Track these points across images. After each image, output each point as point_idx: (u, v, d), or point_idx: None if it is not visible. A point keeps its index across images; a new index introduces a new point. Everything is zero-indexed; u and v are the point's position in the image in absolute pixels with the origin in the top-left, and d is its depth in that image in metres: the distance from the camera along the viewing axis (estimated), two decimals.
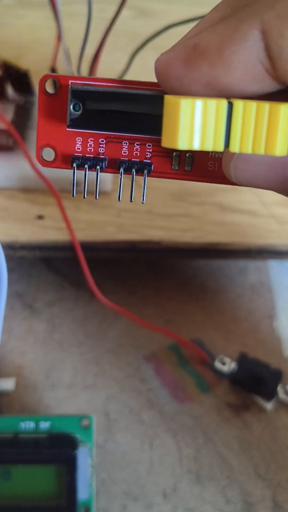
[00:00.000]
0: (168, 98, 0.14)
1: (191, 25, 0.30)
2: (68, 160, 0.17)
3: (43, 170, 0.28)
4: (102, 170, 0.18)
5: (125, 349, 0.30)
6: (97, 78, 0.17)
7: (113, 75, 0.32)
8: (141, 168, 0.18)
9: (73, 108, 0.16)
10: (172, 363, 0.29)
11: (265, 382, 0.28)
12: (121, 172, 0.18)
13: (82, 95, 0.16)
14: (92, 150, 0.17)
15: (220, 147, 0.14)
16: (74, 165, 0.17)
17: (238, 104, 0.13)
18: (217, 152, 0.17)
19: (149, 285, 0.32)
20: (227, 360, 0.29)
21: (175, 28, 0.32)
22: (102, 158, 0.17)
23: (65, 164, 0.18)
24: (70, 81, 0.16)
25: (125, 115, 0.17)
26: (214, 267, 0.33)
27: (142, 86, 0.16)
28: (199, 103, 0.13)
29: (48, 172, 0.28)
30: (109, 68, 0.33)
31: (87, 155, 0.17)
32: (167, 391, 0.28)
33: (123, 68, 0.33)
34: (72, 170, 0.17)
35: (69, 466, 0.23)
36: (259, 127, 0.14)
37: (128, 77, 0.33)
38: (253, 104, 0.13)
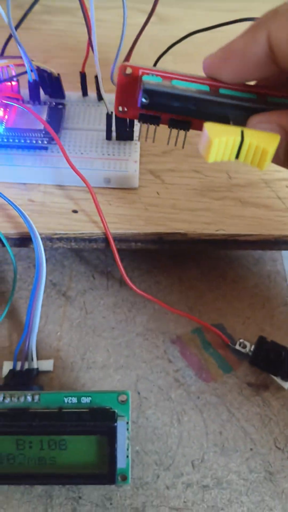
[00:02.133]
0: (206, 127, 0.23)
1: (211, 32, 0.32)
2: (135, 115, 0.27)
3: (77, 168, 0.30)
4: (158, 124, 0.26)
5: (153, 333, 0.32)
6: (160, 70, 0.25)
7: None
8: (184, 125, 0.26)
9: (144, 98, 0.25)
10: (196, 346, 0.32)
11: (282, 363, 0.30)
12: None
13: (149, 92, 0.24)
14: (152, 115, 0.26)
15: (233, 159, 0.23)
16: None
17: (246, 142, 0.23)
18: None
19: (173, 275, 0.35)
20: (246, 343, 0.31)
21: (196, 35, 0.34)
22: (158, 116, 0.26)
23: (134, 117, 0.27)
24: (140, 71, 0.25)
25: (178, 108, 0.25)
26: (232, 257, 0.36)
27: (192, 79, 0.25)
28: (223, 139, 0.22)
29: (81, 170, 0.30)
30: None
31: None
32: (193, 371, 0.31)
33: None
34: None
35: (110, 437, 0.25)
36: (256, 155, 0.23)
37: None
38: (254, 143, 0.23)
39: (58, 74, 0.34)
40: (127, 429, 0.26)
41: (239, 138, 0.22)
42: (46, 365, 0.30)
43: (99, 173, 0.31)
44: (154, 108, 0.25)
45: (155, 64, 0.35)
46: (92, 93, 0.36)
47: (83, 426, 0.25)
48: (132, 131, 0.32)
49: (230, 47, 0.23)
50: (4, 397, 0.26)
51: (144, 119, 0.26)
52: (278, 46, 0.22)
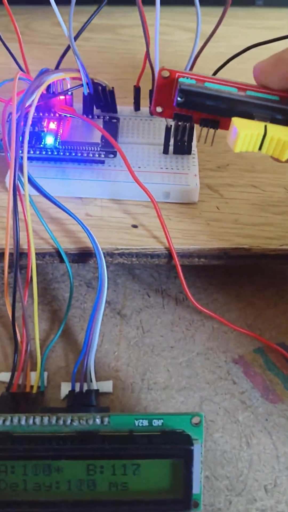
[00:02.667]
0: (234, 121, 0.26)
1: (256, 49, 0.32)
2: (170, 114, 0.29)
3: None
4: (190, 122, 0.29)
5: (213, 353, 0.31)
6: (194, 73, 0.28)
7: None
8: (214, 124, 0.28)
9: (179, 97, 0.27)
10: (260, 366, 0.31)
11: None
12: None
13: (185, 91, 0.27)
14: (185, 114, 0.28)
15: (256, 150, 0.26)
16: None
17: (269, 135, 0.25)
18: None
19: (230, 293, 0.33)
20: None
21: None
22: (190, 115, 0.28)
23: (169, 116, 0.29)
24: (176, 74, 0.28)
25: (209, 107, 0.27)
26: (287, 274, 0.35)
27: (223, 82, 0.28)
28: (249, 132, 0.25)
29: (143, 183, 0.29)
30: None
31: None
32: (259, 393, 0.30)
33: None
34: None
35: (187, 461, 0.24)
36: (277, 147, 0.26)
37: None
38: (276, 136, 0.25)
39: (113, 87, 0.33)
40: (201, 453, 0.25)
41: (262, 132, 0.25)
42: (106, 386, 0.29)
43: (158, 187, 0.31)
44: (188, 106, 0.28)
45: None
46: (144, 107, 0.35)
47: (157, 450, 0.24)
48: (191, 145, 0.32)
49: (281, 55, 0.26)
50: (72, 420, 0.25)
51: (178, 118, 0.29)
52: None
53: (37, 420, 0.25)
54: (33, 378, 0.29)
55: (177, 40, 0.44)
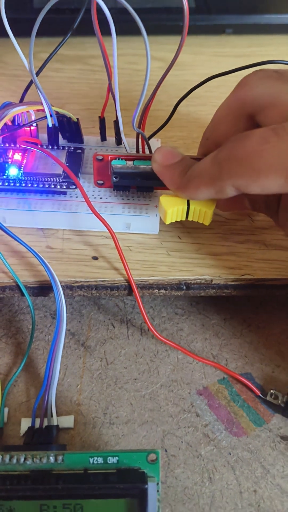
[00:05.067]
0: (161, 200, 0.29)
1: (228, 77, 0.32)
2: (111, 185, 0.31)
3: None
4: (129, 190, 0.32)
5: (177, 384, 0.30)
6: (123, 154, 0.30)
7: (158, 123, 0.34)
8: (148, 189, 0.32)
9: (114, 177, 0.30)
10: (225, 397, 0.30)
11: None
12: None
13: (118, 174, 0.30)
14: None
15: (184, 219, 0.29)
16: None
17: (191, 208, 0.29)
18: None
19: (195, 322, 0.33)
20: (278, 394, 0.30)
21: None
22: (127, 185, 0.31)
23: (110, 187, 0.32)
24: (109, 157, 0.30)
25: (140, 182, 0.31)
26: (255, 303, 0.34)
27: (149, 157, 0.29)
28: (175, 209, 0.28)
29: (100, 215, 0.29)
30: (155, 115, 0.35)
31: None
32: (222, 425, 0.29)
33: (165, 115, 0.35)
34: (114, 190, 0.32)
35: (140, 500, 0.23)
36: (200, 214, 0.29)
37: (172, 123, 0.35)
38: (198, 208, 0.29)
39: (78, 118, 0.33)
40: (157, 491, 0.24)
41: (185, 206, 0.29)
42: (67, 421, 0.29)
43: (119, 218, 0.31)
44: (124, 183, 0.31)
45: (175, 108, 0.35)
46: (110, 137, 0.35)
47: (111, 489, 0.23)
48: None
49: (183, 182, 0.27)
50: (25, 458, 0.24)
51: (117, 189, 0.31)
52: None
53: None
54: None
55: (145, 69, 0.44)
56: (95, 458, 0.24)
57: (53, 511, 0.24)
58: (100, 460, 0.24)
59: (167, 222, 0.29)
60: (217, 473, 0.28)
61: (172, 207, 0.28)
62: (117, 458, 0.24)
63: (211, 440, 0.29)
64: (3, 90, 0.40)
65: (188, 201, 0.28)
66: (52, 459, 0.24)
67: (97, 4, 0.27)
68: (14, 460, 0.24)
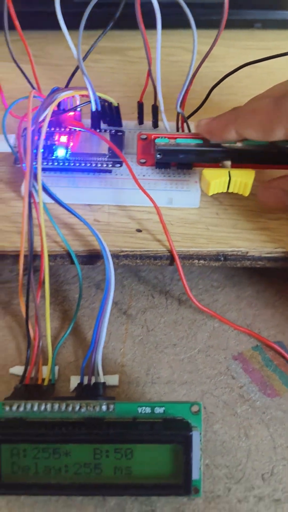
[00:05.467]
0: (204, 173, 0.31)
1: (250, 67, 0.34)
2: (153, 163, 0.33)
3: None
4: (169, 167, 0.34)
5: (214, 350, 0.33)
6: (166, 133, 0.33)
7: (192, 110, 0.36)
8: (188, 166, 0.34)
9: (158, 155, 0.32)
10: (258, 362, 0.32)
11: None
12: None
13: (161, 151, 0.32)
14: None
15: (225, 191, 0.32)
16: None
17: (232, 180, 0.31)
18: None
19: (230, 294, 0.35)
20: None
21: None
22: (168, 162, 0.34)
23: (152, 165, 0.34)
24: (152, 136, 0.33)
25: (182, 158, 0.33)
26: (285, 277, 0.36)
27: (190, 136, 0.32)
28: (217, 180, 0.31)
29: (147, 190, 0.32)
30: (188, 103, 0.37)
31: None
32: (257, 387, 0.31)
33: (198, 103, 0.37)
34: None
35: (186, 446, 0.26)
36: (240, 186, 0.31)
37: (205, 110, 0.37)
38: (238, 180, 0.31)
39: (118, 104, 0.35)
40: (200, 441, 0.26)
41: (227, 178, 0.31)
42: (112, 379, 0.31)
43: (162, 193, 0.33)
44: (166, 160, 0.33)
45: (209, 92, 0.37)
46: (147, 121, 0.37)
47: (158, 435, 0.26)
48: None
49: (210, 129, 0.32)
50: (80, 407, 0.27)
51: (159, 166, 0.34)
52: (244, 135, 0.30)
53: (48, 406, 0.27)
54: (45, 372, 0.31)
55: (181, 60, 0.47)
56: (143, 408, 0.27)
57: (106, 455, 0.26)
58: (148, 410, 0.27)
59: (210, 193, 0.31)
60: (252, 429, 0.30)
61: (214, 179, 0.30)
62: (163, 408, 0.27)
63: (246, 400, 0.31)
64: (47, 79, 0.43)
65: (229, 173, 0.30)
66: (104, 407, 0.27)
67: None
68: (70, 408, 0.27)
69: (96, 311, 0.34)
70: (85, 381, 0.30)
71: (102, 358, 0.31)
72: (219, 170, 0.31)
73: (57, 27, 0.47)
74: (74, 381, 0.31)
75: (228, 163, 0.32)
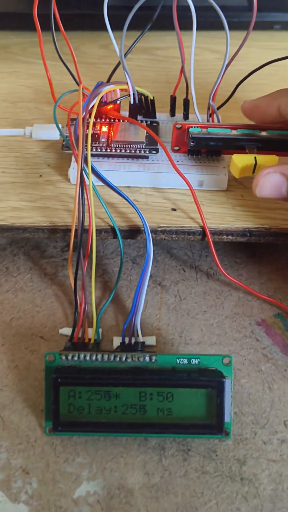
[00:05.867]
0: (234, 158, 0.35)
1: (272, 66, 0.38)
2: (185, 151, 0.38)
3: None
4: (200, 154, 0.38)
5: (239, 317, 0.37)
6: (199, 123, 0.37)
7: (218, 105, 0.40)
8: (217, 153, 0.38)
9: (191, 142, 0.36)
10: (279, 328, 0.36)
11: None
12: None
13: (195, 138, 0.36)
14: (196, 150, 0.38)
15: (251, 174, 0.35)
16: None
17: (258, 163, 0.35)
18: None
19: (253, 269, 0.39)
20: None
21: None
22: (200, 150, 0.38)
23: (185, 152, 0.38)
24: (186, 125, 0.36)
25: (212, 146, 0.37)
26: None
27: (219, 126, 0.37)
28: (245, 164, 0.35)
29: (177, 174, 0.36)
30: (216, 98, 0.41)
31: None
32: (278, 349, 0.35)
33: (223, 99, 0.41)
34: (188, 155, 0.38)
35: (219, 391, 0.30)
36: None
37: (230, 105, 0.41)
38: (263, 164, 0.34)
39: (153, 97, 0.40)
40: (231, 388, 0.30)
41: (253, 162, 0.35)
42: (150, 340, 0.35)
43: (194, 176, 0.37)
44: (198, 147, 0.37)
45: (233, 91, 0.41)
46: (178, 114, 0.41)
47: (195, 381, 0.30)
48: None
49: (256, 103, 0.37)
50: (126, 357, 0.31)
51: (191, 153, 0.38)
52: (285, 112, 0.35)
53: (99, 357, 0.31)
54: (90, 333, 0.35)
55: (205, 60, 0.51)
56: (181, 359, 0.31)
57: (150, 397, 0.30)
58: (185, 361, 0.31)
59: (238, 176, 0.35)
60: (275, 384, 0.34)
61: (243, 163, 0.34)
62: (198, 360, 0.31)
63: (269, 359, 0.35)
64: (83, 76, 0.47)
65: (255, 158, 0.34)
66: (147, 358, 0.31)
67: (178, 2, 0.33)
68: (117, 359, 0.31)
69: (132, 283, 0.38)
70: (126, 341, 0.34)
71: (140, 322, 0.35)
72: (247, 155, 0.35)
73: (90, 28, 0.52)
74: (117, 341, 0.35)
75: (254, 149, 0.35)
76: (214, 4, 0.33)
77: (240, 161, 0.34)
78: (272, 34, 0.55)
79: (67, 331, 0.35)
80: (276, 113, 0.35)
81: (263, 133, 0.36)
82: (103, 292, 0.38)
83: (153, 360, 0.31)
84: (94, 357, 0.31)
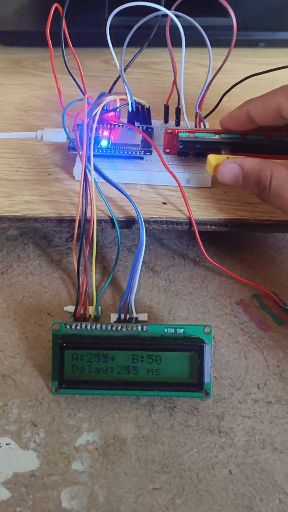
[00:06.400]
0: (209, 157, 0.40)
1: (255, 78, 0.43)
2: (176, 153, 0.43)
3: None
4: (188, 156, 0.44)
5: (221, 297, 0.42)
6: (187, 128, 0.42)
7: (206, 113, 0.46)
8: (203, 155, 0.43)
9: (180, 145, 0.41)
10: (256, 306, 0.41)
11: None
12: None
13: (183, 142, 0.41)
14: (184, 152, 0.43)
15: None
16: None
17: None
18: None
19: (234, 257, 0.45)
20: None
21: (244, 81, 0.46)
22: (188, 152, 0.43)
23: (175, 154, 0.43)
24: (176, 130, 0.42)
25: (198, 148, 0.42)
26: (279, 245, 0.46)
27: (204, 131, 0.42)
28: (218, 160, 0.39)
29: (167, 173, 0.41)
30: (203, 108, 0.47)
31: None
32: (254, 324, 0.40)
33: (211, 108, 0.47)
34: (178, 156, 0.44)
35: (200, 354, 0.35)
36: None
37: (217, 113, 0.47)
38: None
39: (149, 106, 0.45)
40: (211, 354, 0.36)
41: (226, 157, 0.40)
42: (143, 316, 0.40)
43: (182, 175, 0.42)
44: (186, 149, 0.42)
45: (219, 101, 0.47)
46: (171, 121, 0.47)
47: (180, 345, 0.35)
48: None
49: (230, 114, 0.42)
50: (121, 327, 0.36)
51: (180, 155, 0.43)
52: (254, 114, 0.40)
53: (98, 326, 0.36)
54: (91, 310, 0.40)
55: (195, 73, 0.56)
56: (168, 329, 0.36)
57: (141, 360, 0.35)
58: (172, 330, 0.36)
59: (212, 173, 0.40)
60: (250, 353, 0.39)
61: (216, 162, 0.39)
62: (183, 329, 0.36)
63: (246, 333, 0.40)
64: (87, 87, 0.52)
65: (227, 157, 0.39)
66: (139, 328, 0.36)
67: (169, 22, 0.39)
68: (114, 328, 0.36)
69: (128, 268, 0.44)
70: (122, 317, 0.40)
71: (134, 301, 0.40)
72: (220, 155, 0.40)
73: (94, 45, 0.58)
74: (113, 317, 0.40)
75: (228, 151, 0.41)
76: (197, 25, 0.38)
77: (214, 159, 0.40)
78: (257, 51, 0.60)
79: (70, 308, 0.41)
80: (247, 119, 0.41)
81: (237, 136, 0.41)
82: (102, 275, 0.43)
83: (144, 330, 0.36)
84: (94, 327, 0.36)
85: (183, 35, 0.40)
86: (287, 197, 0.36)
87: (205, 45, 0.54)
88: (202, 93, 0.42)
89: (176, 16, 0.39)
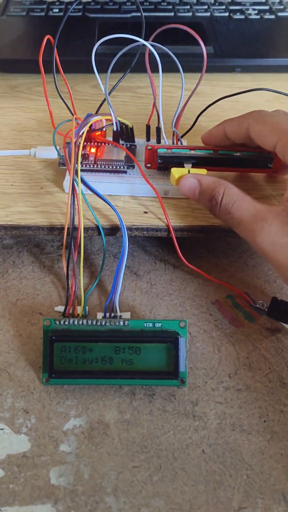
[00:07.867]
0: (172, 170, 0.45)
1: (232, 100, 0.48)
2: (156, 167, 0.48)
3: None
4: (166, 170, 0.48)
5: (198, 298, 0.46)
6: (165, 145, 0.47)
7: (184, 128, 0.50)
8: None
9: (159, 160, 0.46)
10: (229, 305, 0.45)
11: None
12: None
13: (161, 157, 0.46)
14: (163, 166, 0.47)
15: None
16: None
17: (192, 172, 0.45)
18: None
19: (211, 262, 0.49)
20: (264, 303, 0.45)
21: (222, 102, 0.51)
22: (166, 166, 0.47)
23: (155, 168, 0.48)
24: (155, 147, 0.47)
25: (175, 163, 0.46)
26: (252, 251, 0.50)
27: (181, 147, 0.47)
28: (180, 173, 0.45)
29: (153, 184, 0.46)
30: (182, 127, 0.51)
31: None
32: (227, 321, 0.44)
33: (189, 126, 0.52)
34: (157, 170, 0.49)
35: (175, 345, 0.39)
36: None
37: (195, 132, 0.51)
38: (194, 172, 0.45)
39: (132, 126, 0.50)
40: (185, 345, 0.40)
41: (187, 172, 0.44)
42: (126, 315, 0.44)
43: (161, 187, 0.47)
44: (164, 163, 0.46)
45: (197, 118, 0.51)
46: (152, 139, 0.52)
47: (157, 338, 0.39)
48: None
49: (209, 131, 0.47)
50: (105, 322, 0.40)
51: (160, 169, 0.48)
52: (229, 133, 0.45)
53: (84, 321, 0.40)
54: (79, 310, 0.44)
55: (175, 96, 0.61)
56: (148, 323, 0.40)
57: (122, 351, 0.39)
58: (151, 324, 0.40)
59: (175, 184, 0.44)
60: (223, 346, 0.43)
61: (179, 175, 0.44)
62: (161, 324, 0.40)
63: (220, 329, 0.44)
64: (77, 109, 0.57)
65: (188, 171, 0.44)
66: (121, 323, 0.40)
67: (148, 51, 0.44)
68: (99, 323, 0.40)
69: (113, 273, 0.48)
70: (107, 315, 0.44)
71: (118, 302, 0.44)
72: (183, 168, 0.44)
73: (84, 71, 0.63)
74: (99, 315, 0.44)
75: (189, 164, 0.46)
76: (170, 52, 0.43)
77: (177, 172, 0.44)
78: (234, 76, 0.66)
79: (60, 308, 0.45)
80: (223, 136, 0.46)
81: (203, 152, 0.46)
82: (90, 279, 0.47)
83: (125, 324, 0.40)
84: (80, 322, 0.40)
85: (159, 61, 0.44)
86: (235, 213, 0.40)
87: (184, 71, 0.59)
88: (177, 113, 0.46)
89: (153, 46, 0.44)
